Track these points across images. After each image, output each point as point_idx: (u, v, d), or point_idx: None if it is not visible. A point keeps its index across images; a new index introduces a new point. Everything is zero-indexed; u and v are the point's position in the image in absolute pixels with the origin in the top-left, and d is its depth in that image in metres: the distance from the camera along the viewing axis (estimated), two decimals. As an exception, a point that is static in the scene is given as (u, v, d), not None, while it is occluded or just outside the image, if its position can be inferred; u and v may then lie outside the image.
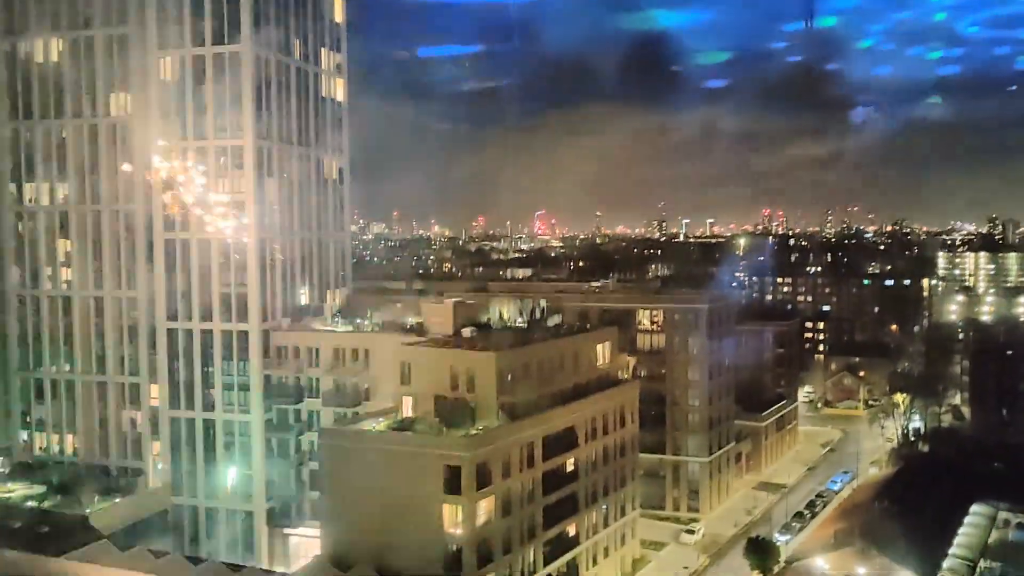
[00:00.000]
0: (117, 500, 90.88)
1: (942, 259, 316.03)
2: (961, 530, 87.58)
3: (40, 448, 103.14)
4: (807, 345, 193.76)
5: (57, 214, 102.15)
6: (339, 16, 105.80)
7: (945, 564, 79.62)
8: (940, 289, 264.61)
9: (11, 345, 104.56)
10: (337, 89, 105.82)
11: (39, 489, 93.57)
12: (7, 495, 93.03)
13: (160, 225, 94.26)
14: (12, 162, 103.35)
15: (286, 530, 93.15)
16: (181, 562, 69.13)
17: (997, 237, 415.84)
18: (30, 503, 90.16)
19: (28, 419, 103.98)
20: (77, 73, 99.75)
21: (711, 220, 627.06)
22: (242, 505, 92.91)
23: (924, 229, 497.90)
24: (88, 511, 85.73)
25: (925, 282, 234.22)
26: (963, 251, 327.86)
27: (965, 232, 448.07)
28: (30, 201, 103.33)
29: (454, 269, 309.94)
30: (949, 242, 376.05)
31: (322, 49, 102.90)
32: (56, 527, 73.88)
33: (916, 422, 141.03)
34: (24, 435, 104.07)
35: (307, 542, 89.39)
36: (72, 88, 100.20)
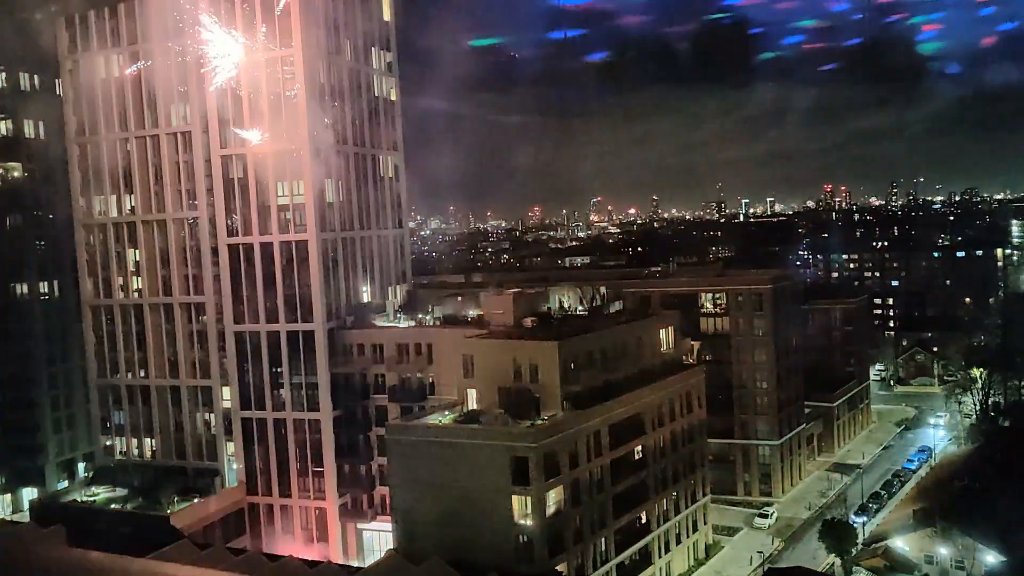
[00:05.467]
0: (195, 500, 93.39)
1: (1016, 226, 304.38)
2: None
3: (121, 452, 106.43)
4: (876, 322, 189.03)
5: (125, 225, 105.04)
6: (388, 15, 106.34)
7: (1033, 542, 76.96)
8: (1015, 258, 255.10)
9: (89, 354, 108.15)
10: (389, 87, 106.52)
11: (121, 492, 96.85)
12: (92, 498, 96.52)
13: (224, 231, 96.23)
14: (81, 177, 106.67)
15: (359, 524, 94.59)
16: (258, 559, 70.70)
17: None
18: (114, 505, 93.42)
19: (108, 425, 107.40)
20: (139, 87, 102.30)
21: (771, 199, 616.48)
22: (315, 501, 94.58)
23: (996, 197, 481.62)
24: (169, 512, 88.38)
25: (999, 251, 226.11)
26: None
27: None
28: (99, 214, 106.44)
29: (512, 260, 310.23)
30: (1023, 209, 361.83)
31: (372, 48, 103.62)
32: (139, 528, 76.25)
33: (995, 396, 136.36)
34: (105, 440, 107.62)
35: (380, 536, 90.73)
36: (135, 101, 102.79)
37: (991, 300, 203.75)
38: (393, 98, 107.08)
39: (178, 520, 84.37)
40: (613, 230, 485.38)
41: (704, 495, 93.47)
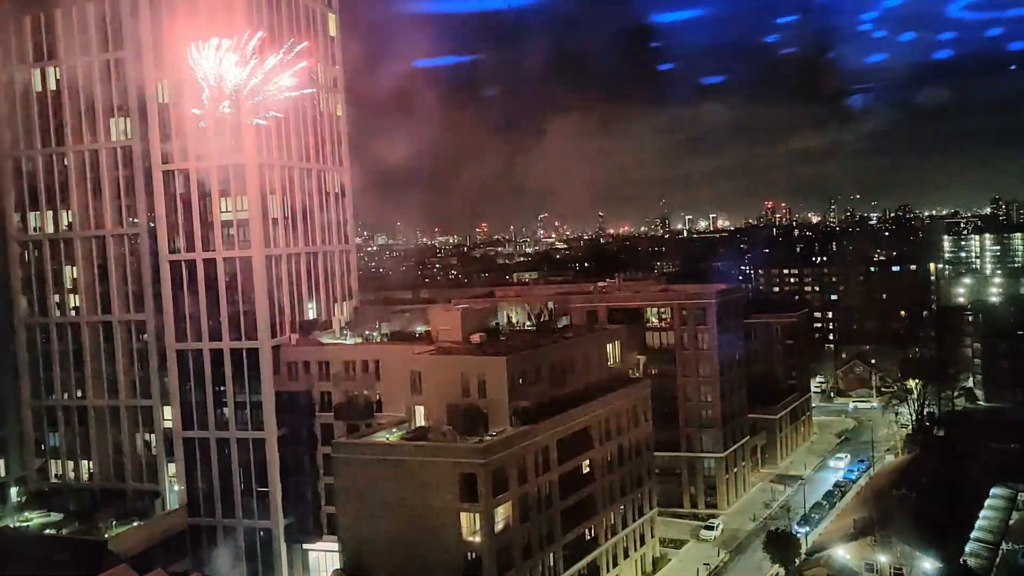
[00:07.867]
0: (135, 524, 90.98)
1: (947, 242, 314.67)
2: (982, 513, 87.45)
3: (56, 476, 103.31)
4: (816, 335, 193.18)
5: (62, 241, 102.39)
6: (334, 31, 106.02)
7: (967, 548, 79.46)
8: (947, 273, 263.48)
9: (23, 374, 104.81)
10: (335, 103, 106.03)
11: (56, 517, 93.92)
12: (25, 524, 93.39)
13: (165, 247, 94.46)
14: (15, 192, 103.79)
15: (304, 545, 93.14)
16: (202, 582, 69.19)
17: (1001, 218, 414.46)
18: (48, 531, 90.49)
19: (43, 447, 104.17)
20: (76, 100, 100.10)
21: (714, 215, 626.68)
22: (260, 522, 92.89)
23: (928, 213, 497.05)
24: (107, 536, 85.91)
25: (932, 266, 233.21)
26: (968, 234, 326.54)
27: (970, 215, 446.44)
28: (35, 230, 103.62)
29: (460, 276, 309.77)
30: (954, 225, 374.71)
31: (318, 64, 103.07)
32: (75, 554, 73.90)
33: (930, 407, 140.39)
34: (40, 463, 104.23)
35: (326, 556, 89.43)
36: (72, 115, 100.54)
37: (925, 314, 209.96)
38: (339, 114, 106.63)
39: (117, 545, 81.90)
40: (560, 246, 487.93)
41: (651, 508, 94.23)
